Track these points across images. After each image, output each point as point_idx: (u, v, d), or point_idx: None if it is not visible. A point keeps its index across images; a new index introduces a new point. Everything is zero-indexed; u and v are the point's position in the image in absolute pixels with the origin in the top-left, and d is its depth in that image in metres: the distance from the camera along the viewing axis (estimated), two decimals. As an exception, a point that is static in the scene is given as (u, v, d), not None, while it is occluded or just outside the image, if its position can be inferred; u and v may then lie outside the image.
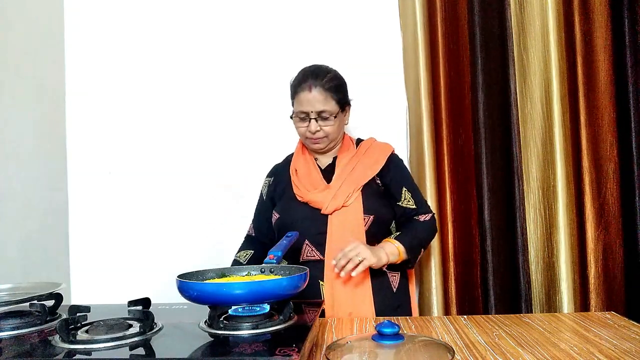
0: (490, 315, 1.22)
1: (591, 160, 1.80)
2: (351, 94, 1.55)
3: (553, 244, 1.80)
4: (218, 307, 0.91)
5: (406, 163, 1.82)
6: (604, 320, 1.14)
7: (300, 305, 1.08)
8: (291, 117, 1.51)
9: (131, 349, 0.81)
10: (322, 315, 1.35)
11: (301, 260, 1.45)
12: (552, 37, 1.81)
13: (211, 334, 0.87)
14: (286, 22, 1.98)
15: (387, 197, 1.50)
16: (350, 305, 1.37)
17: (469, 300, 1.84)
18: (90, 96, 2.01)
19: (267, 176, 1.66)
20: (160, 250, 1.95)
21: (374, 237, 1.43)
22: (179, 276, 0.98)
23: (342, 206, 1.42)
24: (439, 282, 1.81)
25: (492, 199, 1.84)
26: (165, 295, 1.15)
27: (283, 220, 1.49)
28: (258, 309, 0.95)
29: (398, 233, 1.46)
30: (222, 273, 1.11)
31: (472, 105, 1.87)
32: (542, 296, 1.82)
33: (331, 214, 1.43)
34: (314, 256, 1.43)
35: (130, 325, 0.90)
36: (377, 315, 1.36)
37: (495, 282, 1.81)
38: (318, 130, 1.45)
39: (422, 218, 1.50)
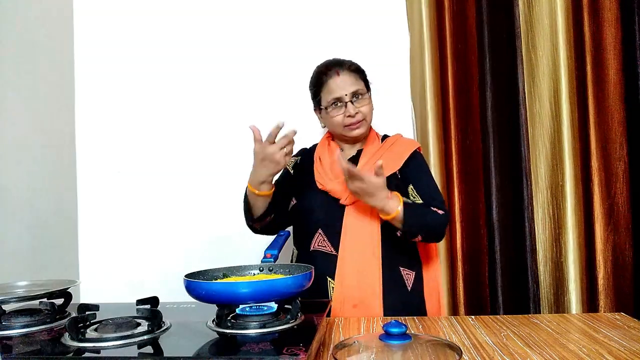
0: (498, 316, 1.22)
1: (600, 160, 1.79)
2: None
3: (562, 244, 1.79)
4: (225, 306, 0.92)
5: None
6: (613, 321, 1.13)
7: (308, 304, 1.08)
8: (320, 111, 1.51)
9: (139, 347, 0.82)
10: (329, 312, 1.35)
11: (311, 248, 1.43)
12: (561, 36, 1.79)
13: (219, 333, 0.87)
14: (293, 22, 1.98)
15: (404, 192, 1.46)
16: (358, 299, 1.35)
17: (477, 300, 1.84)
18: (99, 97, 2.03)
19: (295, 155, 1.62)
20: (168, 249, 1.97)
21: (388, 231, 1.42)
22: (187, 275, 0.99)
23: None
24: (446, 282, 1.80)
25: (500, 198, 1.83)
26: (173, 294, 1.15)
27: (301, 207, 1.48)
28: (265, 308, 0.96)
29: (410, 201, 1.38)
30: (228, 272, 1.11)
31: (480, 104, 1.86)
32: (550, 296, 1.80)
33: (350, 205, 1.42)
34: (325, 247, 1.42)
35: (139, 324, 0.90)
36: (386, 313, 1.35)
37: (503, 283, 1.80)
38: (357, 113, 1.44)
39: (434, 209, 1.43)
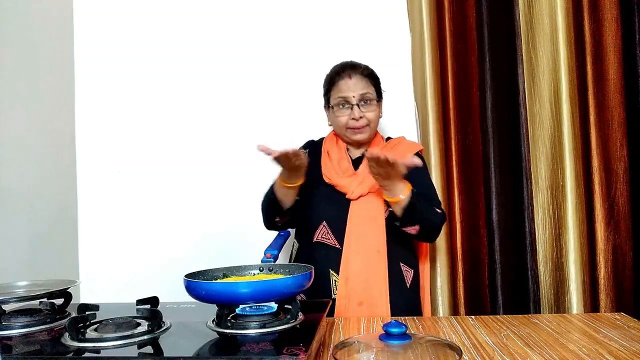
0: (498, 316, 1.22)
1: (600, 160, 1.79)
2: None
3: (562, 244, 1.79)
4: (225, 306, 0.92)
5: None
6: (614, 321, 1.13)
7: (308, 304, 1.08)
8: (328, 108, 1.53)
9: (139, 347, 0.82)
10: (332, 309, 1.35)
11: (314, 240, 1.44)
12: (561, 36, 1.79)
13: (219, 333, 0.88)
14: (293, 22, 1.98)
15: None
16: (365, 296, 1.36)
17: (477, 300, 1.84)
18: (99, 97, 2.03)
19: (302, 147, 1.64)
20: (168, 249, 1.96)
21: (391, 226, 1.42)
22: (187, 275, 0.99)
23: (368, 192, 1.43)
24: (446, 282, 1.80)
25: (501, 198, 1.83)
26: (173, 294, 1.15)
27: (305, 198, 1.49)
28: (265, 308, 0.96)
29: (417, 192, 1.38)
30: (228, 272, 1.11)
31: (480, 104, 1.86)
32: (550, 297, 1.80)
33: (356, 199, 1.43)
34: (329, 240, 1.43)
35: (139, 324, 0.90)
36: (392, 310, 1.35)
37: (503, 283, 1.80)
38: (361, 117, 1.46)
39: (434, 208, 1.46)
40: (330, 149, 1.56)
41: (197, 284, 0.93)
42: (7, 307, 1.00)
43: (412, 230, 1.38)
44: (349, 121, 1.47)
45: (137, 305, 0.98)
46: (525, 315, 1.25)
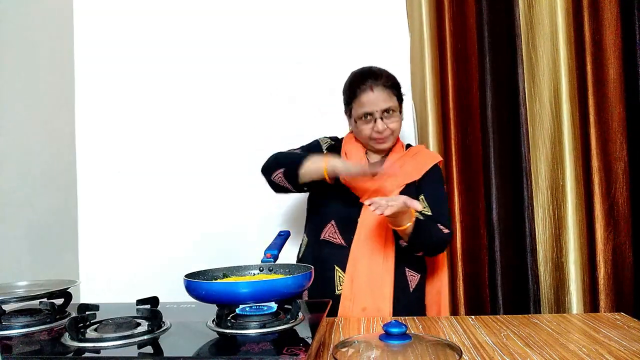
0: (498, 316, 1.22)
1: (600, 160, 1.79)
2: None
3: (562, 245, 1.79)
4: (225, 306, 0.92)
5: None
6: (614, 321, 1.13)
7: (308, 304, 1.08)
8: (350, 116, 1.52)
9: (139, 347, 0.82)
10: (335, 306, 1.35)
11: (321, 238, 1.45)
12: (561, 36, 1.79)
13: (219, 333, 0.88)
14: (293, 22, 1.98)
15: (418, 200, 1.47)
16: (369, 301, 1.36)
17: (477, 300, 1.84)
18: (99, 97, 2.03)
19: (330, 138, 1.62)
20: (168, 249, 1.96)
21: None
22: (187, 275, 0.99)
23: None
24: (446, 282, 1.80)
25: (501, 198, 1.83)
26: (173, 294, 1.15)
27: (318, 195, 1.48)
28: (265, 308, 0.96)
29: (421, 218, 1.38)
30: (228, 272, 1.11)
31: (481, 104, 1.86)
32: (550, 297, 1.80)
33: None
34: (335, 239, 1.44)
35: (139, 324, 0.90)
36: (393, 314, 1.35)
37: (503, 283, 1.80)
38: (385, 129, 1.44)
39: (440, 227, 1.44)
40: (349, 150, 1.54)
41: (197, 284, 0.93)
42: (7, 307, 1.00)
43: (418, 254, 1.43)
44: (372, 133, 1.46)
45: (137, 305, 0.98)
46: (525, 315, 1.25)
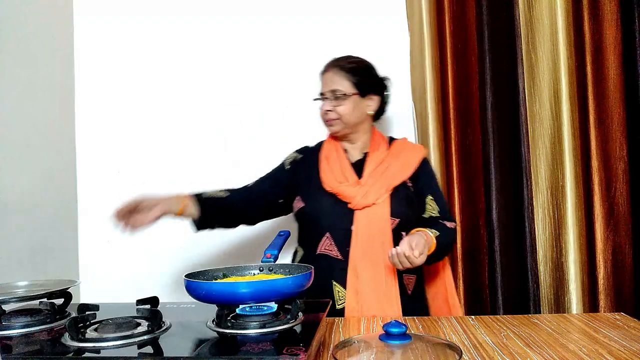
0: (498, 316, 1.22)
1: (600, 159, 1.79)
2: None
3: (562, 244, 1.79)
4: (225, 306, 0.92)
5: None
6: (613, 321, 1.13)
7: (308, 304, 1.08)
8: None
9: (139, 347, 0.82)
10: (330, 314, 1.34)
11: (318, 252, 1.41)
12: (561, 36, 1.79)
13: (219, 333, 0.87)
14: (292, 23, 1.98)
15: (414, 202, 1.47)
16: (377, 310, 1.33)
17: (477, 300, 1.84)
18: (99, 96, 2.03)
19: (297, 151, 1.62)
20: (168, 249, 1.96)
21: (399, 238, 1.40)
22: (187, 275, 0.99)
23: (372, 204, 1.40)
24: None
25: (500, 198, 1.83)
26: (173, 294, 1.15)
27: (309, 210, 1.45)
28: (265, 308, 0.96)
29: (436, 232, 1.36)
30: (228, 272, 1.11)
31: (481, 104, 1.86)
32: (550, 297, 1.80)
33: (360, 209, 1.40)
34: (332, 251, 1.40)
35: (139, 324, 0.90)
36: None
37: (503, 283, 1.80)
38: (330, 111, 1.46)
39: (447, 224, 1.44)
40: (329, 154, 1.53)
41: (197, 284, 0.93)
42: (7, 307, 1.00)
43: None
44: (321, 114, 1.50)
45: (137, 305, 0.98)
46: (525, 315, 1.25)
